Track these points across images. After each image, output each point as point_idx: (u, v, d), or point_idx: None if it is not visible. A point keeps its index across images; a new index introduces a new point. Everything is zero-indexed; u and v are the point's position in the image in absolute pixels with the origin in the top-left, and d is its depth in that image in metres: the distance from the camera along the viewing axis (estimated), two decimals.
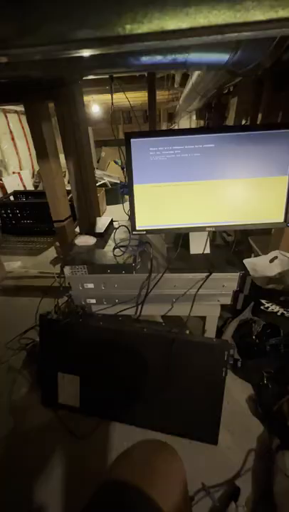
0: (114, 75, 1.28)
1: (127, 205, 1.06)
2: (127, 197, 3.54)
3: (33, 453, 1.07)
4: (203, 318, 1.25)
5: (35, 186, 4.17)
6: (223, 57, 0.93)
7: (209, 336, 1.24)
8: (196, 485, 0.93)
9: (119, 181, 4.34)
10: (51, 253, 2.66)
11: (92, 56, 0.75)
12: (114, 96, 1.36)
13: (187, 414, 1.04)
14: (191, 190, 0.92)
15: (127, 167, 0.88)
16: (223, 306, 1.17)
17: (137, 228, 0.99)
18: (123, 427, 1.11)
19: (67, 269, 1.05)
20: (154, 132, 0.88)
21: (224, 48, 0.85)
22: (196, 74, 1.82)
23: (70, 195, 1.86)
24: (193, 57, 0.77)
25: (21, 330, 1.62)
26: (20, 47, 0.56)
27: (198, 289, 1.03)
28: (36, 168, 4.30)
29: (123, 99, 1.47)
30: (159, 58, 0.68)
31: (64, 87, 1.31)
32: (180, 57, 0.69)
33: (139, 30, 0.48)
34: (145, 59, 0.69)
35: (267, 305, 1.38)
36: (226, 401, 1.05)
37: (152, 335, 1.04)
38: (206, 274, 1.02)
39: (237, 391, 1.23)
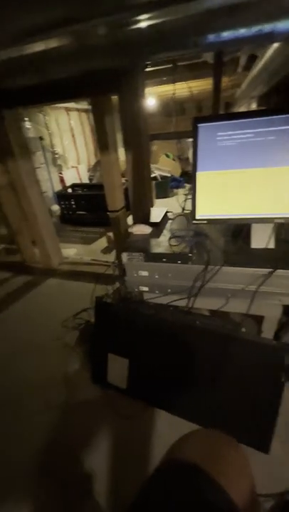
0: (179, 63, 1.25)
1: (176, 198, 1.04)
2: (176, 190, 3.51)
3: (82, 423, 1.15)
4: (260, 318, 1.17)
5: (90, 180, 4.41)
6: None
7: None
8: None
9: (169, 175, 4.30)
10: (102, 243, 2.80)
11: (166, 34, 0.73)
12: (165, 88, 1.33)
13: (238, 416, 0.99)
14: (261, 178, 0.85)
15: (193, 154, 0.85)
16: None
17: (197, 217, 0.96)
18: (168, 416, 1.12)
19: (124, 256, 1.08)
20: (224, 115, 0.83)
21: None
22: (271, 50, 1.66)
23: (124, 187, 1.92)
24: (283, 25, 0.67)
25: (75, 311, 1.75)
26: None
27: (259, 286, 0.96)
28: (92, 162, 4.54)
29: (177, 90, 1.43)
30: (242, 32, 0.63)
31: (127, 78, 1.33)
32: (267, 27, 0.62)
33: None
34: (226, 34, 0.64)
35: None
36: (281, 411, 0.97)
37: (205, 329, 1.01)
38: (268, 270, 0.94)
39: None
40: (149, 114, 4.73)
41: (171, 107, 5.45)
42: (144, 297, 1.22)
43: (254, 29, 0.62)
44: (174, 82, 1.29)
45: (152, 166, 4.73)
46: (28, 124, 2.98)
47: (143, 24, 0.78)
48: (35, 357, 1.51)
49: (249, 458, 0.45)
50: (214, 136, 0.84)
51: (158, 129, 4.57)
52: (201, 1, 0.58)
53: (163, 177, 4.22)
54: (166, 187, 4.03)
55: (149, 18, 0.76)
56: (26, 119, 3.00)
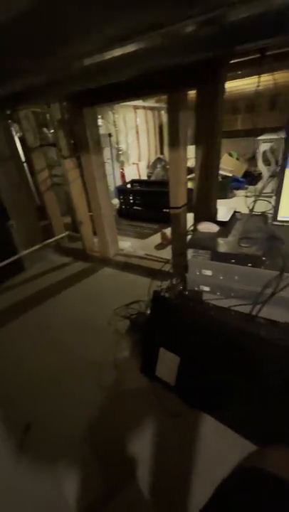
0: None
1: (236, 200, 0.96)
2: (236, 192, 3.30)
3: (128, 409, 1.19)
4: None
5: (148, 176, 4.50)
6: None
7: None
8: None
9: (230, 175, 4.10)
10: (156, 239, 2.83)
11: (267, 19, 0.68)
12: (236, 83, 1.24)
13: None
14: None
15: (285, 148, 0.78)
16: None
17: (280, 218, 0.88)
18: (214, 422, 1.08)
19: (189, 252, 1.07)
20: None
21: None
22: None
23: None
24: None
25: (126, 301, 1.81)
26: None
27: None
28: (152, 159, 4.61)
29: (242, 85, 1.33)
30: None
31: (209, 71, 1.30)
32: None
33: None
34: None
35: None
36: None
37: (269, 341, 0.93)
38: None
39: None
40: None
41: (240, 104, 5.14)
42: (204, 297, 1.19)
43: None
44: (259, 74, 1.20)
45: None
46: (100, 122, 3.18)
47: (236, 15, 0.74)
48: (87, 338, 1.62)
49: None
50: None
51: (224, 126, 4.38)
52: None
53: (224, 177, 4.04)
54: (226, 187, 3.85)
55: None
56: (99, 116, 3.21)
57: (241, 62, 1.41)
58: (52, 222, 2.71)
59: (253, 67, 1.28)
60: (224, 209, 1.36)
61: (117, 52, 0.99)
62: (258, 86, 1.22)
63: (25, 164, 2.67)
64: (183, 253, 1.12)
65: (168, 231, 2.57)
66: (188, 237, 1.23)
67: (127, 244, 2.73)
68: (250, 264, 0.96)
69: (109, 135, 3.45)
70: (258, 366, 0.95)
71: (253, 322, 1.05)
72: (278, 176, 0.82)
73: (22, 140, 2.44)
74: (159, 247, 2.64)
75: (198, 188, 1.59)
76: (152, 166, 4.50)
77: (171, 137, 1.55)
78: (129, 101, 3.24)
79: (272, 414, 0.93)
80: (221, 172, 4.12)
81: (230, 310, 1.10)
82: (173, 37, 0.90)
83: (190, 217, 1.75)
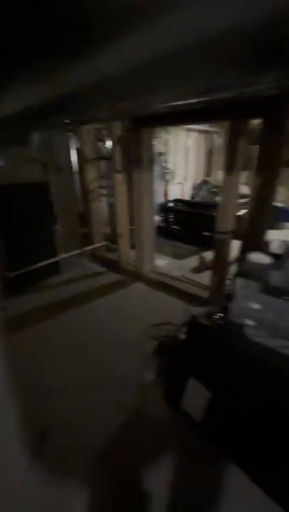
0: None
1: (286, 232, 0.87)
2: (286, 224, 3.06)
3: (146, 439, 1.11)
4: None
5: (192, 197, 4.50)
6: None
7: None
8: None
9: (280, 205, 3.91)
10: (192, 261, 2.76)
11: None
12: None
13: None
14: None
15: None
16: None
17: None
18: (241, 476, 0.94)
19: (238, 281, 1.00)
20: None
21: None
22: None
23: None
24: None
25: (156, 321, 1.75)
26: None
27: None
28: (197, 181, 4.63)
29: None
30: None
31: (278, 101, 1.27)
32: None
33: None
34: None
35: None
36: None
37: None
38: None
39: None
40: None
41: None
42: (246, 332, 1.09)
43: None
44: None
45: None
46: (154, 141, 3.32)
47: None
48: (113, 352, 1.58)
49: None
50: None
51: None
52: None
53: (273, 207, 3.87)
54: (275, 218, 3.67)
55: None
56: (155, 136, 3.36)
57: None
58: (93, 231, 2.81)
59: None
60: (278, 241, 1.28)
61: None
62: None
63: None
64: (228, 281, 1.05)
65: (207, 255, 2.50)
66: (233, 265, 1.17)
67: (163, 262, 2.70)
68: None
69: (160, 154, 3.57)
70: None
71: None
72: None
73: (78, 151, 2.63)
74: (196, 270, 2.57)
75: (251, 216, 1.52)
76: (198, 188, 4.50)
77: (228, 162, 1.54)
78: (188, 125, 3.34)
79: None
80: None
81: (276, 351, 0.98)
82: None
83: (234, 244, 1.67)
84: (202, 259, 2.54)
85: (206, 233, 3.02)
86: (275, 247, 1.19)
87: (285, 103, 1.25)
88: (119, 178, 2.30)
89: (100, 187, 2.78)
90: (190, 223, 3.33)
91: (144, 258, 2.39)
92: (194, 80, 0.84)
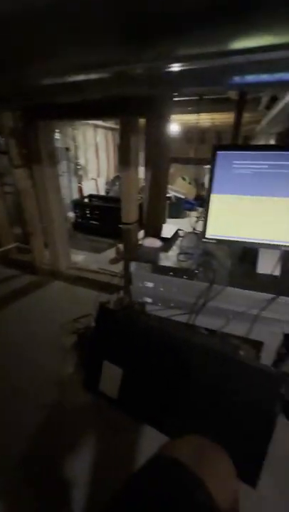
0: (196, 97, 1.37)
1: (188, 220, 1.09)
2: (189, 213, 3.57)
3: (68, 428, 1.14)
4: (258, 346, 1.16)
5: (107, 192, 4.59)
6: None
7: None
8: None
9: (183, 197, 4.43)
10: (110, 253, 2.86)
11: (195, 73, 0.82)
12: (189, 117, 1.45)
13: (228, 444, 0.95)
14: (271, 206, 0.90)
15: (210, 177, 0.91)
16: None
17: (207, 236, 1.00)
18: (156, 434, 1.10)
19: (132, 265, 1.12)
20: (241, 146, 0.90)
21: None
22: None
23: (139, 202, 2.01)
24: None
25: (75, 315, 1.77)
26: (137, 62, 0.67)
27: (261, 311, 0.97)
28: (111, 176, 4.74)
29: (200, 120, 1.55)
30: (264, 77, 0.71)
31: (156, 104, 1.45)
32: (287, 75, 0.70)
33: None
34: (251, 78, 0.73)
35: None
36: (275, 446, 0.94)
37: (204, 347, 1.01)
38: (272, 295, 0.96)
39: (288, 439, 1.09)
40: (172, 138, 5.00)
41: (193, 135, 5.72)
42: (147, 309, 1.24)
43: (276, 75, 0.70)
44: (198, 112, 1.39)
45: (168, 186, 4.89)
46: (57, 135, 3.19)
47: (177, 68, 0.88)
48: (31, 355, 1.52)
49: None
50: (230, 164, 0.90)
51: (178, 153, 4.77)
52: (228, 58, 0.66)
53: (177, 198, 4.34)
54: (179, 208, 4.14)
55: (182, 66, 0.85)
56: (57, 130, 3.22)
57: (185, 101, 1.61)
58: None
59: (192, 106, 1.49)
60: (169, 227, 1.48)
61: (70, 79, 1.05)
62: (197, 123, 1.41)
63: None
64: (127, 267, 1.17)
65: (122, 246, 2.63)
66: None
67: (80, 257, 2.69)
68: (185, 277, 1.05)
69: (67, 149, 3.47)
70: (192, 372, 1.02)
71: (190, 330, 1.14)
72: (205, 200, 0.95)
73: None
74: (114, 261, 2.67)
75: (147, 207, 1.70)
76: (111, 183, 4.62)
77: (123, 157, 1.65)
78: (83, 120, 3.35)
79: (205, 419, 0.99)
80: (175, 194, 4.44)
81: (170, 320, 1.17)
82: (123, 75, 1.01)
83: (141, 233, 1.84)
84: (118, 249, 2.66)
85: (121, 226, 3.16)
86: (166, 232, 1.38)
87: (157, 104, 1.42)
88: (20, 173, 2.14)
89: (2, 184, 2.52)
90: (106, 217, 3.41)
91: (60, 255, 2.33)
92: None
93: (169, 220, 4.13)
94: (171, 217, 4.13)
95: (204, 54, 0.61)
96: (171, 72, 0.85)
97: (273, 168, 0.85)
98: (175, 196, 4.39)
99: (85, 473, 0.99)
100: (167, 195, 4.35)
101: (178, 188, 4.66)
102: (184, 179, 4.94)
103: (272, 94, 2.15)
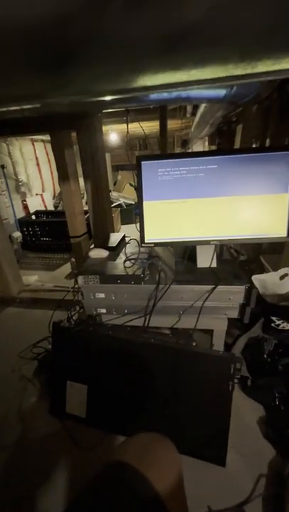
0: (130, 108, 1.45)
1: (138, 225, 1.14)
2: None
3: (37, 462, 1.08)
4: (212, 332, 1.26)
5: (55, 207, 4.44)
6: (220, 92, 1.06)
7: None
8: (202, 507, 0.89)
9: (134, 202, 4.53)
10: (67, 268, 2.78)
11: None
12: (131, 125, 1.51)
13: (194, 431, 1.01)
14: (196, 207, 1.00)
15: (138, 186, 0.97)
16: (232, 322, 1.17)
17: (146, 241, 1.06)
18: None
19: (80, 279, 1.12)
20: (162, 155, 0.98)
21: (221, 86, 0.97)
22: (203, 105, 1.98)
23: (87, 215, 2.00)
24: (194, 93, 0.89)
25: (34, 340, 1.68)
26: (54, 97, 0.69)
27: (204, 302, 1.06)
28: (57, 190, 4.60)
29: (139, 127, 1.64)
30: (165, 95, 0.80)
31: (86, 119, 1.48)
32: (183, 93, 0.80)
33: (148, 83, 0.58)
34: (154, 96, 0.81)
35: (278, 322, 1.36)
36: (236, 422, 1.02)
37: (159, 345, 1.06)
38: (211, 286, 1.05)
39: (247, 412, 1.19)
40: (114, 147, 5.08)
41: (135, 142, 5.91)
42: (103, 319, 1.25)
43: (174, 94, 0.79)
44: (127, 122, 1.46)
45: (118, 194, 4.95)
46: None
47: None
48: None
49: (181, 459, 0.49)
50: (156, 172, 0.97)
51: (123, 160, 4.88)
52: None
53: (128, 204, 4.42)
54: (130, 214, 4.22)
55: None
56: None
57: (115, 112, 1.67)
58: None
59: (122, 117, 1.56)
60: (116, 235, 1.51)
61: None
62: (128, 132, 1.48)
63: None
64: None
65: None
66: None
67: (33, 278, 2.56)
68: (132, 282, 1.09)
69: (2, 166, 3.29)
70: (151, 372, 1.05)
71: (146, 333, 1.17)
72: (139, 208, 1.01)
73: None
74: (70, 276, 2.60)
75: (93, 218, 1.70)
76: (58, 197, 4.49)
77: (60, 171, 1.64)
78: (15, 136, 3.23)
79: (169, 413, 1.03)
80: (124, 201, 4.51)
81: (126, 326, 1.19)
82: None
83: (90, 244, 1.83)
84: (73, 263, 2.60)
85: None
86: (112, 240, 1.40)
87: (87, 117, 1.45)
88: None
89: None
90: (57, 232, 3.30)
91: (9, 280, 2.19)
92: None
93: (122, 227, 4.19)
94: (125, 223, 4.18)
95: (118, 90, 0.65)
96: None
97: (190, 172, 0.95)
98: (125, 202, 4.47)
99: (60, 502, 0.94)
100: (117, 202, 4.41)
101: (127, 194, 4.76)
102: (131, 185, 5.05)
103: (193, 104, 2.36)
